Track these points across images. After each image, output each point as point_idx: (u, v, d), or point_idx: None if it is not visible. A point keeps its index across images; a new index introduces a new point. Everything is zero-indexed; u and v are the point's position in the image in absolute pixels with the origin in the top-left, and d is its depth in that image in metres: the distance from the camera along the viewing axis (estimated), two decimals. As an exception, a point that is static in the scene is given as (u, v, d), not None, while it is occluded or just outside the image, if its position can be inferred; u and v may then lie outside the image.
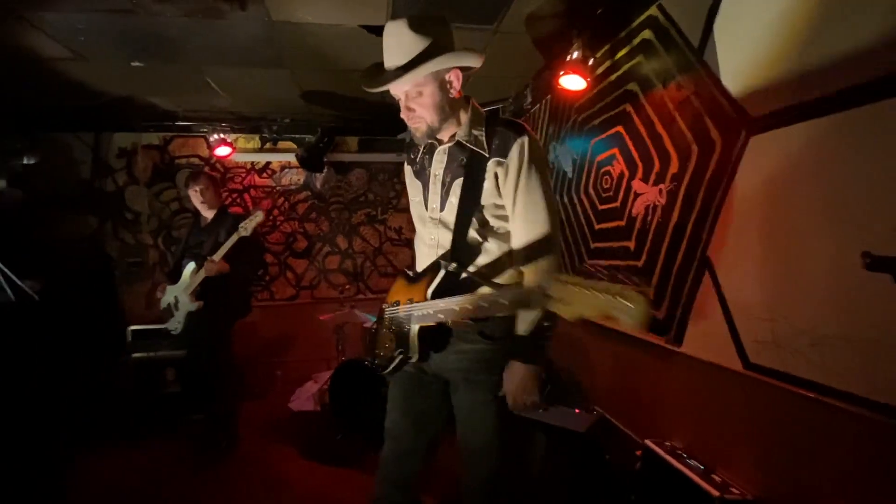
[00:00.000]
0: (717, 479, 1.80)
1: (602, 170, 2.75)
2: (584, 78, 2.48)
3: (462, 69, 1.32)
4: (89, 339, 3.58)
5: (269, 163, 4.61)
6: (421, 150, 1.45)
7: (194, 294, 2.82)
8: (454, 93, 1.33)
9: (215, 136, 4.09)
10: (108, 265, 4.14)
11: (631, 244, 2.46)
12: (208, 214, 3.00)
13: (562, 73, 2.46)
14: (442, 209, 1.39)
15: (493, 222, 1.36)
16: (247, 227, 2.70)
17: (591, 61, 2.48)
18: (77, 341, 3.43)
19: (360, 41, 2.76)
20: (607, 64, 2.63)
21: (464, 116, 1.37)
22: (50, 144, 4.00)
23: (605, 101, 2.68)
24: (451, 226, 1.36)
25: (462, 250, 1.35)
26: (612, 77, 2.60)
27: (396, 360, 1.39)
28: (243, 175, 4.58)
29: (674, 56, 2.11)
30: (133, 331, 3.52)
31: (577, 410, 2.13)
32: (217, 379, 2.95)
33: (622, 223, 2.55)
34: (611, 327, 2.69)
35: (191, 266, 2.86)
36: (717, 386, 1.91)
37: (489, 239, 1.37)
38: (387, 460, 1.47)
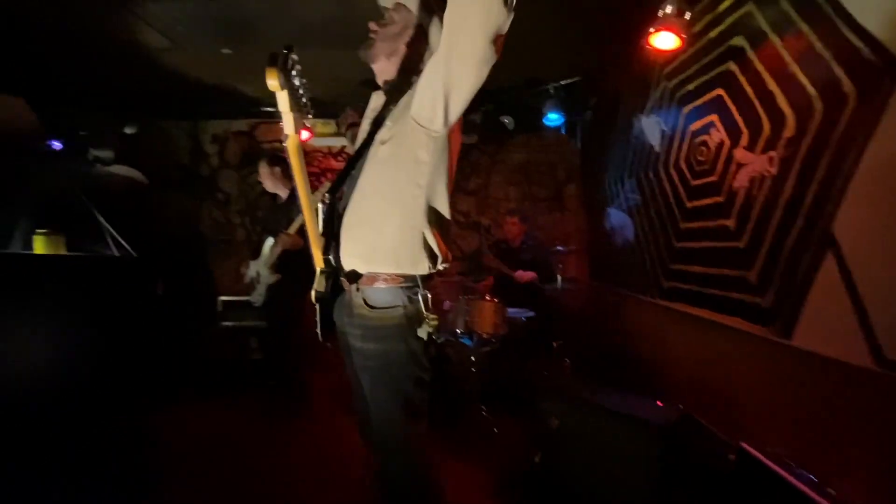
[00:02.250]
0: (832, 493, 1.52)
1: (697, 140, 2.46)
2: (679, 35, 2.21)
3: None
4: (185, 307, 3.93)
5: (344, 146, 4.74)
6: None
7: (272, 267, 2.96)
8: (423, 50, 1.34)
9: (296, 120, 4.26)
10: (202, 241, 4.52)
11: (731, 223, 2.17)
12: (283, 193, 3.12)
13: (652, 30, 2.20)
14: None
15: None
16: (317, 200, 2.78)
17: (687, 15, 2.20)
18: (174, 308, 3.79)
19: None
20: (707, 18, 2.32)
21: None
22: (154, 131, 4.43)
23: (704, 62, 2.37)
24: None
25: None
26: (713, 33, 2.29)
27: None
28: (320, 159, 4.76)
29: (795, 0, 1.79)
30: (223, 301, 3.82)
31: (658, 402, 1.92)
32: (292, 349, 3.09)
33: (720, 199, 2.25)
34: (697, 314, 2.41)
35: (269, 241, 3.00)
36: (837, 385, 1.61)
37: None
38: (357, 416, 1.45)
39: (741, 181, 2.10)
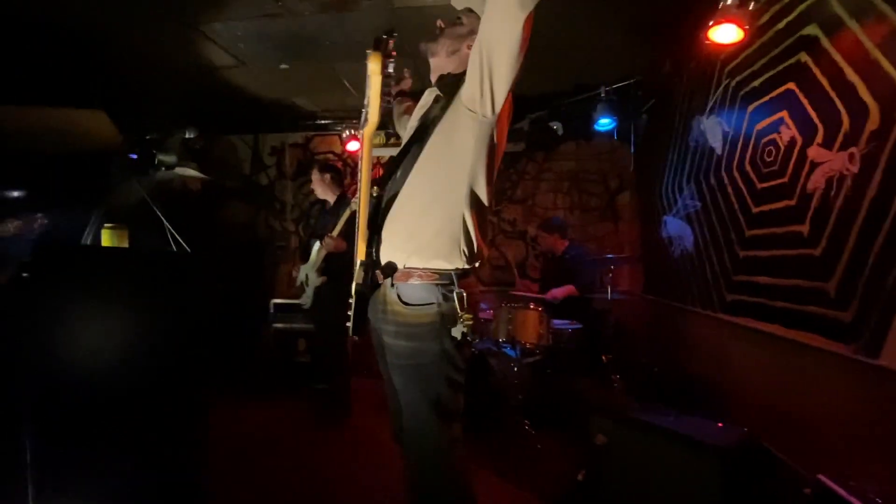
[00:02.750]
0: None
1: (764, 140, 2.26)
2: (742, 27, 2.06)
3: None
4: (241, 309, 4.14)
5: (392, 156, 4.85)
6: None
7: (319, 270, 3.05)
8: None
9: (347, 132, 4.43)
10: (260, 248, 4.76)
11: (804, 228, 1.96)
12: (331, 199, 3.23)
13: (712, 24, 2.07)
14: None
15: None
16: (356, 201, 2.84)
17: (751, 5, 2.05)
18: (231, 311, 3.99)
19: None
20: (775, 8, 2.15)
21: None
22: (220, 144, 4.76)
23: (771, 55, 2.19)
24: None
25: None
26: (782, 24, 2.12)
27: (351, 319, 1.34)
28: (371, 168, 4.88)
29: (877, -22, 1.61)
30: (275, 303, 3.98)
31: (719, 424, 1.75)
32: (336, 352, 3.15)
33: (792, 202, 2.05)
34: (766, 330, 2.19)
35: (317, 245, 3.10)
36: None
37: None
38: (391, 415, 1.46)
39: (816, 182, 1.90)
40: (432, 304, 1.23)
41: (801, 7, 2.00)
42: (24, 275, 1.39)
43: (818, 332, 1.87)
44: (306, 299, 3.23)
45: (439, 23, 1.40)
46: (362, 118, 1.27)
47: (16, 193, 3.39)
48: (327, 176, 3.20)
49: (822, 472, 1.65)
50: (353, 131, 4.45)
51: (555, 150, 4.54)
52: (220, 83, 3.70)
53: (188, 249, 1.75)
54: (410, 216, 1.27)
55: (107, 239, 1.49)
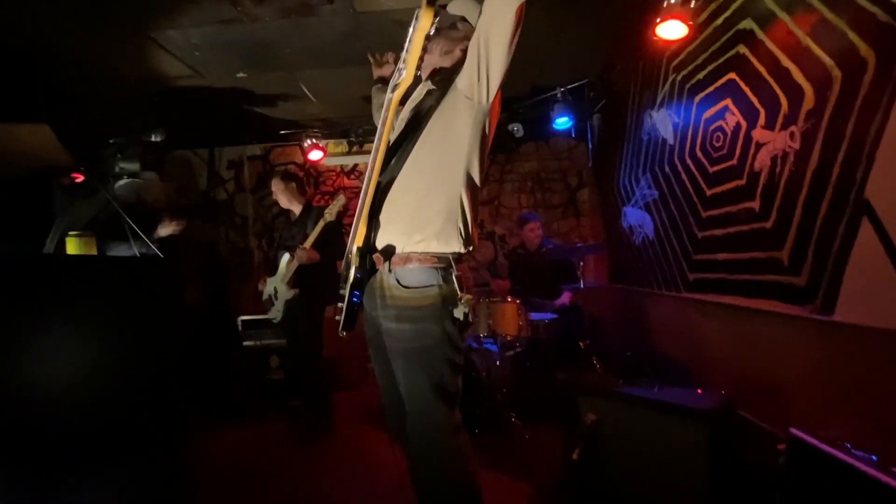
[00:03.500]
0: (897, 473, 1.42)
1: (711, 127, 2.44)
2: (685, 22, 2.23)
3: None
4: (207, 330, 3.94)
5: (356, 165, 4.82)
6: None
7: (290, 283, 2.96)
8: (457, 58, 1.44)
9: (308, 141, 4.36)
10: (221, 265, 4.57)
11: (755, 204, 2.13)
12: (296, 209, 3.16)
13: (659, 20, 2.23)
14: None
15: None
16: (331, 212, 2.80)
17: (693, 2, 2.22)
18: (197, 332, 3.80)
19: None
20: (712, 7, 2.34)
21: None
22: (174, 160, 4.56)
23: (712, 49, 2.38)
24: None
25: None
26: (719, 20, 2.31)
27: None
28: (334, 178, 4.83)
29: (801, -26, 1.80)
30: (242, 321, 3.82)
31: (699, 391, 1.84)
32: (313, 365, 3.05)
33: (742, 182, 2.22)
34: (729, 303, 2.34)
35: (285, 257, 3.01)
36: (890, 357, 1.54)
37: None
38: (385, 410, 1.47)
39: (762, 160, 2.07)
40: (433, 286, 1.25)
41: (736, 3, 2.19)
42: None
43: (776, 298, 2.02)
44: (276, 313, 3.12)
45: (435, 23, 1.43)
46: (393, 79, 1.26)
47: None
48: (292, 185, 3.14)
49: (795, 427, 1.78)
50: (314, 140, 4.40)
51: (516, 152, 4.68)
52: (174, 94, 3.56)
53: (158, 253, 1.66)
54: (409, 200, 1.29)
55: (73, 247, 1.40)
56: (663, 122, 2.99)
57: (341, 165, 4.83)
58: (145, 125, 4.07)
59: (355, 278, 1.30)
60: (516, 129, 4.13)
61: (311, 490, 2.23)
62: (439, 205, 1.28)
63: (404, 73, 1.20)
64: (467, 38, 1.37)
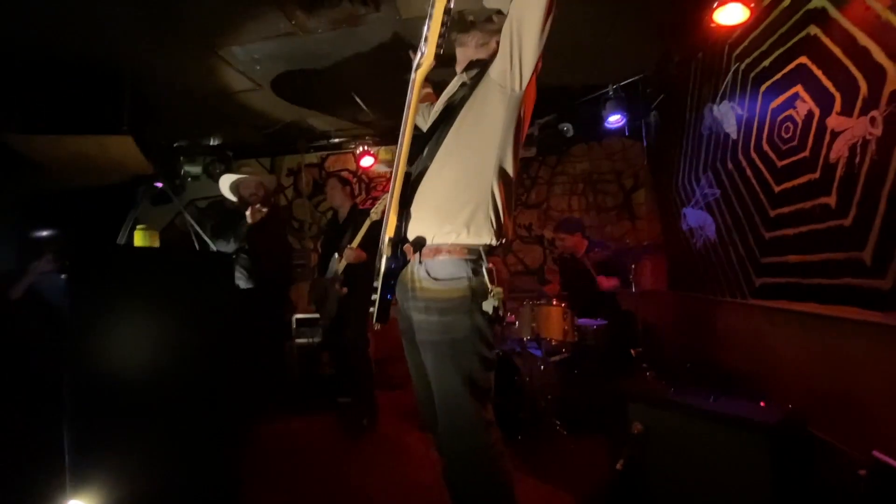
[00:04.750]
0: None
1: (780, 117, 2.24)
2: (747, 5, 2.07)
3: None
4: (265, 328, 4.17)
5: (406, 171, 4.92)
6: None
7: (339, 282, 3.07)
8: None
9: (360, 148, 4.53)
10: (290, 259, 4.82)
11: (831, 200, 1.92)
12: (344, 211, 3.27)
13: (716, 5, 2.08)
14: None
15: None
16: (377, 210, 2.87)
17: (755, -16, 2.06)
18: (255, 331, 4.02)
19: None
20: (779, -13, 2.16)
21: None
22: (239, 168, 4.90)
23: (779, 33, 2.19)
24: None
25: None
26: (787, 1, 2.12)
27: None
28: (384, 183, 4.97)
29: (882, -59, 1.61)
30: (297, 319, 4.01)
31: (762, 403, 1.67)
32: (360, 363, 3.13)
33: (815, 176, 2.01)
34: (800, 310, 2.12)
35: (335, 257, 3.13)
36: None
37: None
38: (417, 402, 1.47)
39: (839, 151, 1.86)
40: (462, 278, 1.24)
41: (806, -19, 2.00)
42: (63, 276, 1.44)
43: (856, 303, 1.80)
44: (327, 312, 3.25)
45: (470, 17, 1.45)
46: (416, 59, 1.19)
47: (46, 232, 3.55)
48: (347, 188, 3.28)
49: (877, 449, 1.57)
50: (366, 147, 4.56)
51: (566, 153, 4.56)
52: (238, 106, 3.84)
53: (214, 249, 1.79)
54: (440, 192, 1.29)
55: (139, 239, 1.55)
56: (726, 115, 2.78)
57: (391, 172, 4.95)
58: (210, 135, 4.42)
59: (388, 269, 1.32)
60: (566, 128, 4.02)
61: (352, 482, 2.29)
62: (470, 195, 1.27)
63: (426, 49, 1.15)
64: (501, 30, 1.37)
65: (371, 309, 1.41)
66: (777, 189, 2.31)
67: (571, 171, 4.57)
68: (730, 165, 2.76)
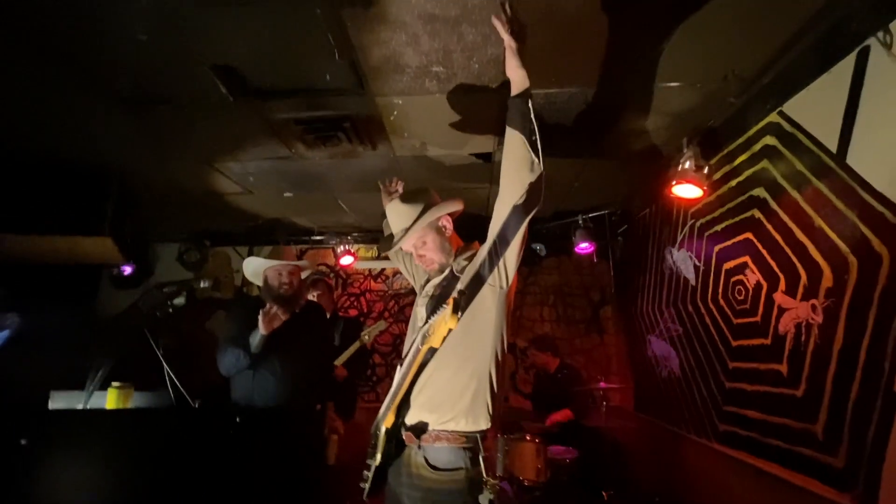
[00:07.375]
0: None
1: (733, 279, 2.48)
2: (700, 187, 2.38)
3: (450, 214, 1.58)
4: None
5: (383, 269, 5.01)
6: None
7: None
8: (448, 233, 1.57)
9: (342, 247, 4.61)
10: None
11: (783, 368, 2.09)
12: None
13: (674, 182, 2.38)
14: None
15: None
16: (370, 335, 2.89)
17: (706, 169, 2.38)
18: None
19: (469, 167, 3.04)
20: (726, 169, 2.50)
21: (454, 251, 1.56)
22: (214, 256, 4.87)
23: (728, 207, 2.50)
24: None
25: None
26: (733, 182, 2.45)
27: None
28: (361, 280, 5.01)
29: (807, 161, 1.94)
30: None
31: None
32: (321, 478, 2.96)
33: (767, 341, 2.20)
34: (763, 469, 2.19)
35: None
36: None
37: None
38: None
39: (786, 325, 2.06)
40: (460, 468, 1.28)
41: (748, 172, 2.33)
42: (23, 441, 1.36)
43: (814, 475, 1.89)
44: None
45: (415, 255, 1.57)
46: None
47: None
48: (332, 294, 3.29)
49: None
50: (347, 246, 4.65)
51: (538, 265, 4.79)
52: (223, 205, 3.90)
53: (192, 402, 1.73)
54: (440, 380, 1.36)
55: (112, 400, 1.48)
56: (684, 261, 3.05)
57: (369, 269, 5.02)
58: (190, 227, 4.41)
59: (382, 461, 1.34)
60: (539, 248, 4.28)
61: None
62: (469, 382, 1.35)
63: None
64: (436, 231, 1.54)
65: (362, 484, 1.42)
66: (734, 343, 2.49)
67: (543, 283, 4.77)
68: (690, 308, 2.97)
